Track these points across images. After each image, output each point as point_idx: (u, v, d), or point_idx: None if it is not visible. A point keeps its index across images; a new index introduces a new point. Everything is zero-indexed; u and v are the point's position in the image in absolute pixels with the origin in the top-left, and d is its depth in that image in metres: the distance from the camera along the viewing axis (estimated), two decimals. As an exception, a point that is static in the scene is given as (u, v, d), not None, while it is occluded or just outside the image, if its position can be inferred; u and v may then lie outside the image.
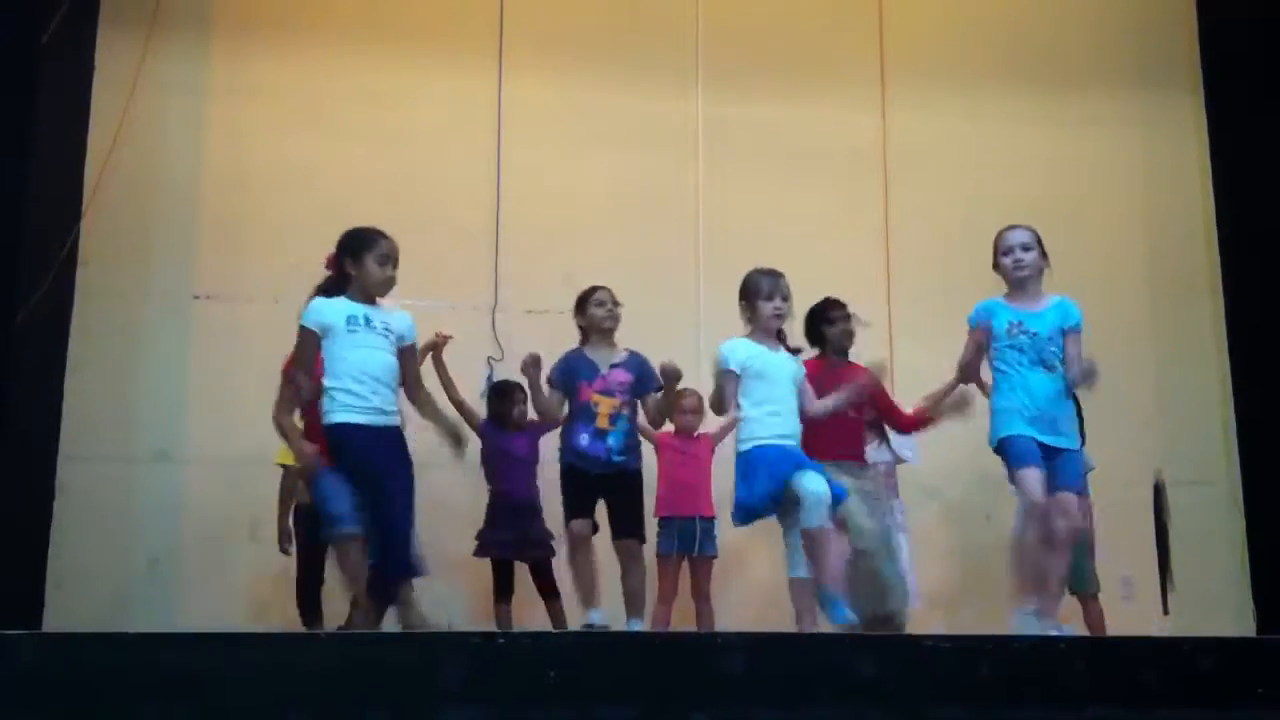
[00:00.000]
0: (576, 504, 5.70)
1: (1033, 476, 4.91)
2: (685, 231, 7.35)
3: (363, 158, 7.09)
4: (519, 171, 7.25)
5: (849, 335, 6.10)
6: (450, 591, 5.75)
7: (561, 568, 6.14)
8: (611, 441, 5.70)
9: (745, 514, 5.22)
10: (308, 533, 6.07)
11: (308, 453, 5.09)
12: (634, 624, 5.68)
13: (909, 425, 6.22)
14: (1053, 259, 7.37)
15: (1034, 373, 5.03)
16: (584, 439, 5.71)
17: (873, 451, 6.46)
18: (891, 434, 6.51)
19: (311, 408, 5.23)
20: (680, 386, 5.92)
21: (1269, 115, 7.13)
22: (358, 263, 5.06)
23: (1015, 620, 4.94)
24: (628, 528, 5.72)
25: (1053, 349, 5.06)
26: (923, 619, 6.16)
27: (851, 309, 6.18)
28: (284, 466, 6.13)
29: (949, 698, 3.98)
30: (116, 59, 6.84)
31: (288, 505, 6.14)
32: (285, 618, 6.11)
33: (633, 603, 5.69)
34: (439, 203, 7.13)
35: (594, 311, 5.90)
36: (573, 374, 5.83)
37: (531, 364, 5.82)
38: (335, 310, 4.97)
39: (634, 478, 5.77)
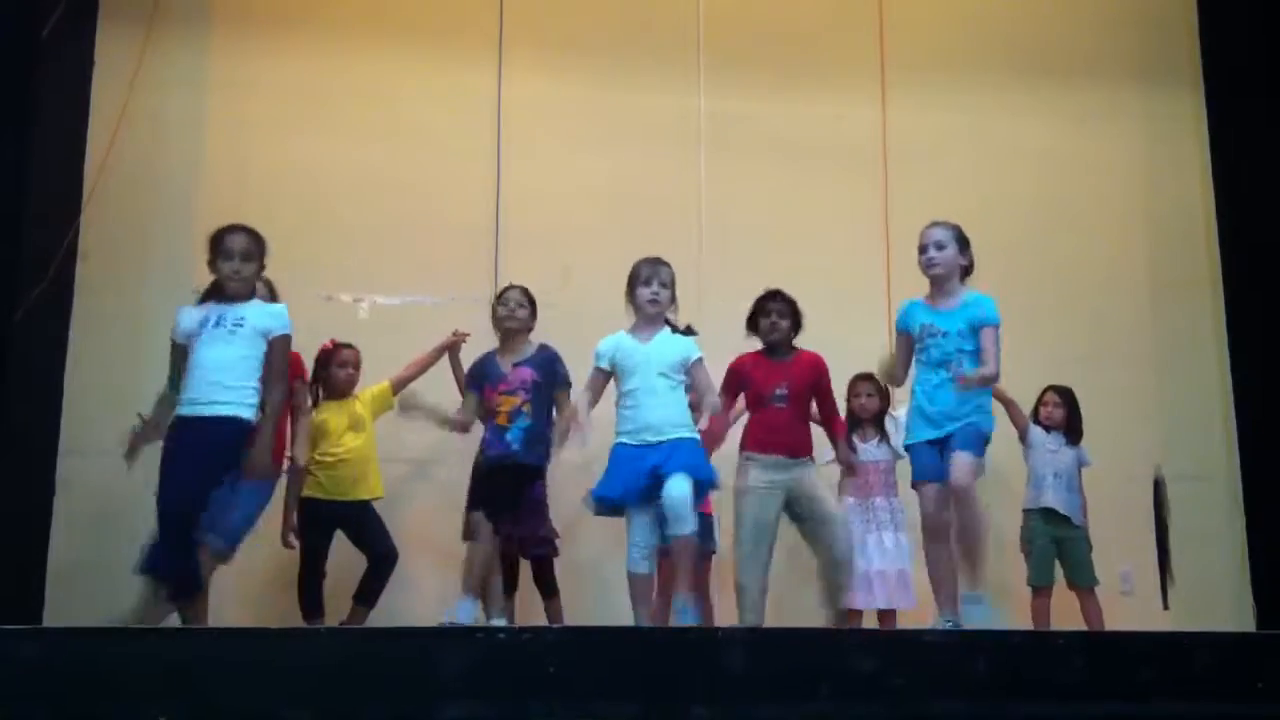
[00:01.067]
0: (473, 497, 5.77)
1: (925, 494, 5.08)
2: (686, 227, 7.34)
3: (362, 152, 7.09)
4: (519, 167, 7.24)
5: (775, 329, 5.83)
6: (452, 586, 5.73)
7: (562, 567, 6.15)
8: (510, 437, 5.66)
9: (599, 507, 5.25)
10: (309, 528, 6.09)
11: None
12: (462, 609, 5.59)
13: (834, 428, 6.02)
14: (1053, 255, 7.42)
15: (934, 373, 5.10)
16: (487, 435, 5.77)
17: (871, 448, 6.47)
18: (891, 431, 6.52)
19: None
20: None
21: (1270, 111, 7.13)
22: (211, 264, 5.17)
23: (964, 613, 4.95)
24: (497, 512, 5.65)
25: (964, 347, 5.07)
26: (922, 614, 6.15)
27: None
28: (289, 461, 6.15)
29: (949, 693, 3.99)
30: (116, 54, 6.84)
31: (293, 500, 6.14)
32: (285, 613, 6.11)
33: (469, 582, 5.63)
34: (439, 198, 7.13)
35: (498, 312, 5.91)
36: (480, 378, 5.88)
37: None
38: (193, 316, 5.11)
39: (521, 469, 5.68)
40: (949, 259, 5.19)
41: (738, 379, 5.72)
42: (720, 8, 7.61)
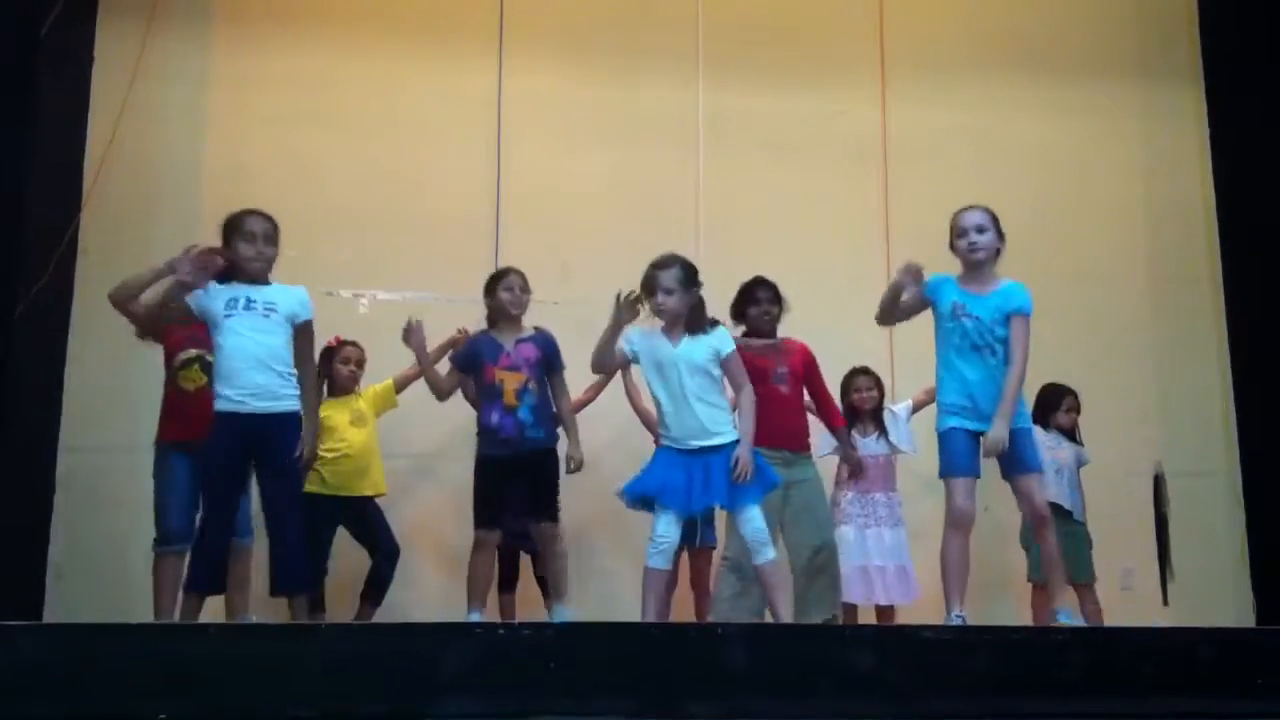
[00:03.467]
0: (484, 509, 5.59)
1: (959, 486, 4.89)
2: (686, 223, 7.33)
3: (363, 149, 7.09)
4: (519, 162, 7.24)
5: (767, 314, 5.92)
6: (458, 581, 5.74)
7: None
8: (522, 415, 5.57)
9: (631, 500, 5.23)
10: (312, 523, 6.09)
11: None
12: (560, 612, 5.59)
13: (834, 421, 6.10)
14: (1053, 251, 7.43)
15: (969, 359, 4.96)
16: (494, 416, 5.58)
17: (870, 443, 6.48)
18: (889, 425, 6.52)
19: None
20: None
21: (1269, 106, 7.12)
22: (229, 247, 5.07)
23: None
24: (542, 510, 5.60)
25: (997, 333, 4.98)
26: (921, 610, 6.16)
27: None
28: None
29: (948, 689, 3.99)
30: (116, 49, 6.83)
31: None
32: (285, 609, 6.11)
33: (556, 588, 5.62)
34: (439, 194, 7.14)
35: (502, 296, 5.80)
36: (476, 356, 5.74)
37: (414, 330, 5.81)
38: (215, 293, 4.97)
39: (546, 456, 5.61)
40: (990, 243, 5.11)
41: None
42: (720, 4, 7.61)
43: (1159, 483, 7.02)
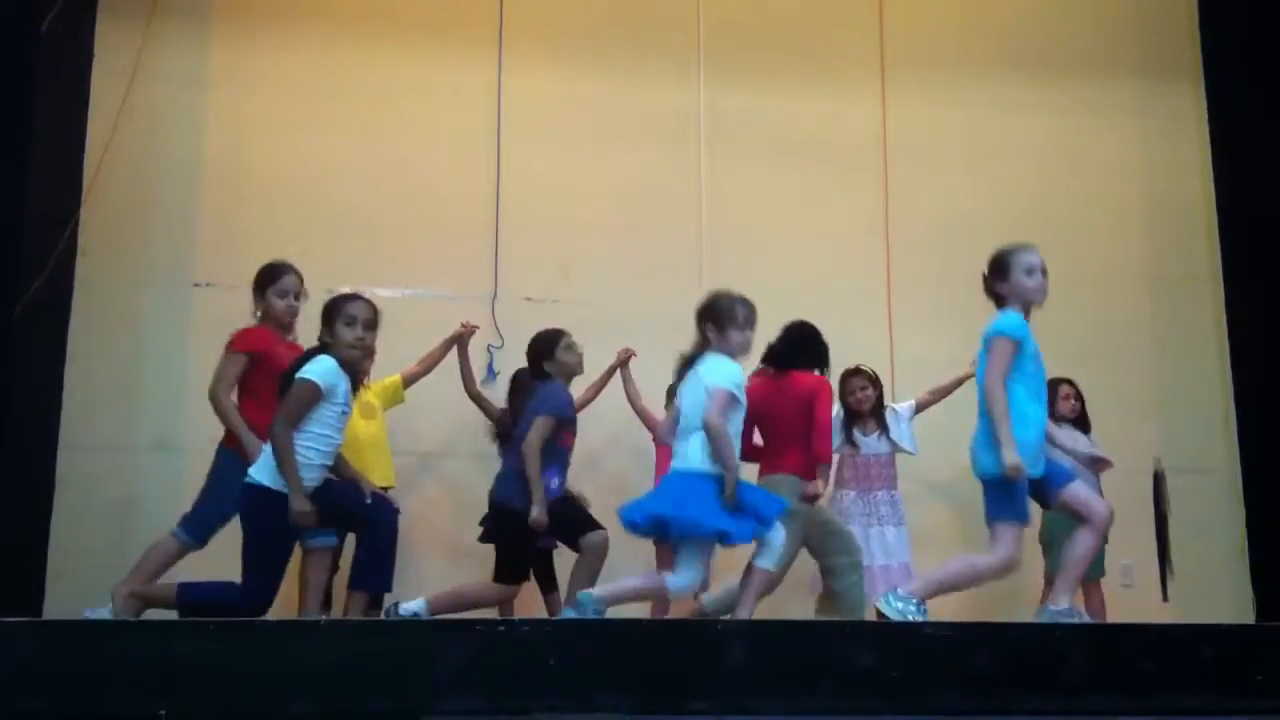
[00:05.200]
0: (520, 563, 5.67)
1: (1016, 532, 4.64)
2: (686, 222, 7.35)
3: (362, 148, 7.10)
4: (519, 162, 7.25)
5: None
6: (458, 577, 5.75)
7: (561, 561, 6.15)
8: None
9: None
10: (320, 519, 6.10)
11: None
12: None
13: (817, 457, 5.78)
14: (1053, 249, 7.41)
15: (1036, 405, 4.72)
16: (555, 481, 5.63)
17: (872, 442, 6.47)
18: (891, 424, 6.52)
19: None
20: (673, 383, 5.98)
21: (1269, 104, 7.12)
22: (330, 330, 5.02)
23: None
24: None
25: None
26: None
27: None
28: None
29: (949, 685, 3.99)
30: (116, 48, 6.84)
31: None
32: (285, 607, 6.11)
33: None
34: (439, 193, 7.14)
35: (566, 359, 5.82)
36: (564, 418, 5.72)
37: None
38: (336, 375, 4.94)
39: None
40: None
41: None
42: (720, 4, 7.62)
43: (1159, 480, 7.02)
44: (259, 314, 5.50)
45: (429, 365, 6.36)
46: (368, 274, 6.97)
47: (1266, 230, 7.07)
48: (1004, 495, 4.62)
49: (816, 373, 5.77)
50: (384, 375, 6.32)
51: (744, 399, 4.85)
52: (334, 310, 4.97)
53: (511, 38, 7.40)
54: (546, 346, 5.84)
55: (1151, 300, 7.73)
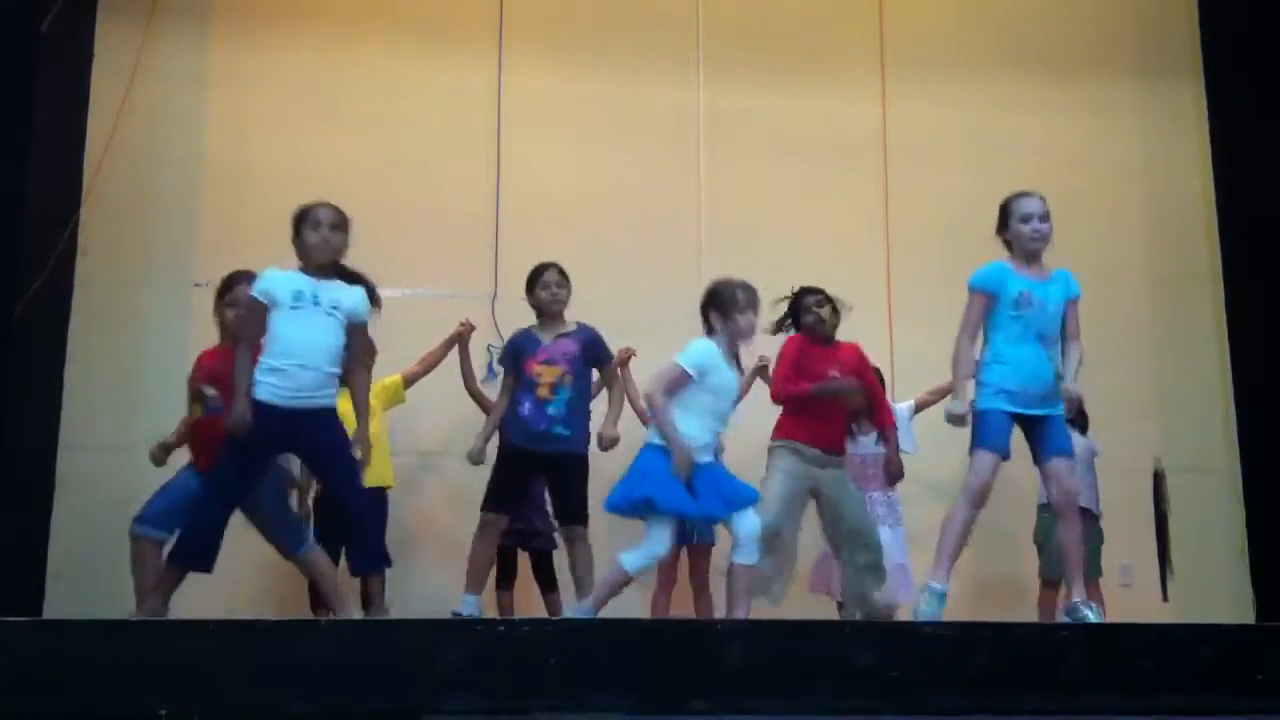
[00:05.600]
0: (497, 495, 5.59)
1: (985, 461, 4.86)
2: (685, 221, 7.35)
3: (362, 147, 7.09)
4: (519, 161, 7.25)
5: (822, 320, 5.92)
6: (458, 577, 5.74)
7: (561, 560, 6.15)
8: (551, 411, 5.56)
9: None
10: (324, 520, 6.10)
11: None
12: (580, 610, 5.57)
13: (881, 424, 6.05)
14: (1053, 249, 7.41)
15: (1030, 348, 4.92)
16: (525, 407, 5.59)
17: (869, 442, 6.46)
18: None
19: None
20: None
21: (1269, 102, 7.12)
22: (298, 237, 4.96)
23: (916, 599, 4.94)
24: (570, 514, 5.60)
25: (1057, 321, 4.99)
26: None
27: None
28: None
29: (948, 685, 3.99)
30: (116, 47, 6.84)
31: (307, 487, 6.16)
32: (285, 606, 6.12)
33: (581, 588, 5.56)
34: (439, 193, 7.14)
35: (540, 293, 5.82)
36: (518, 351, 5.75)
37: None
38: (282, 282, 4.84)
39: (575, 463, 5.58)
40: (1050, 231, 5.10)
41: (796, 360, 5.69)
42: (720, 3, 7.62)
43: (1159, 479, 7.02)
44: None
45: (429, 365, 6.36)
46: (368, 272, 6.96)
47: (1267, 230, 7.07)
48: (975, 428, 4.91)
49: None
50: (384, 375, 6.32)
51: (716, 377, 4.89)
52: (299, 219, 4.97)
53: (511, 37, 7.40)
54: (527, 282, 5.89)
55: (1151, 300, 7.72)
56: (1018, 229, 5.07)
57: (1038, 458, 4.97)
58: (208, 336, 6.67)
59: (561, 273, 5.85)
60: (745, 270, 6.69)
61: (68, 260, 6.53)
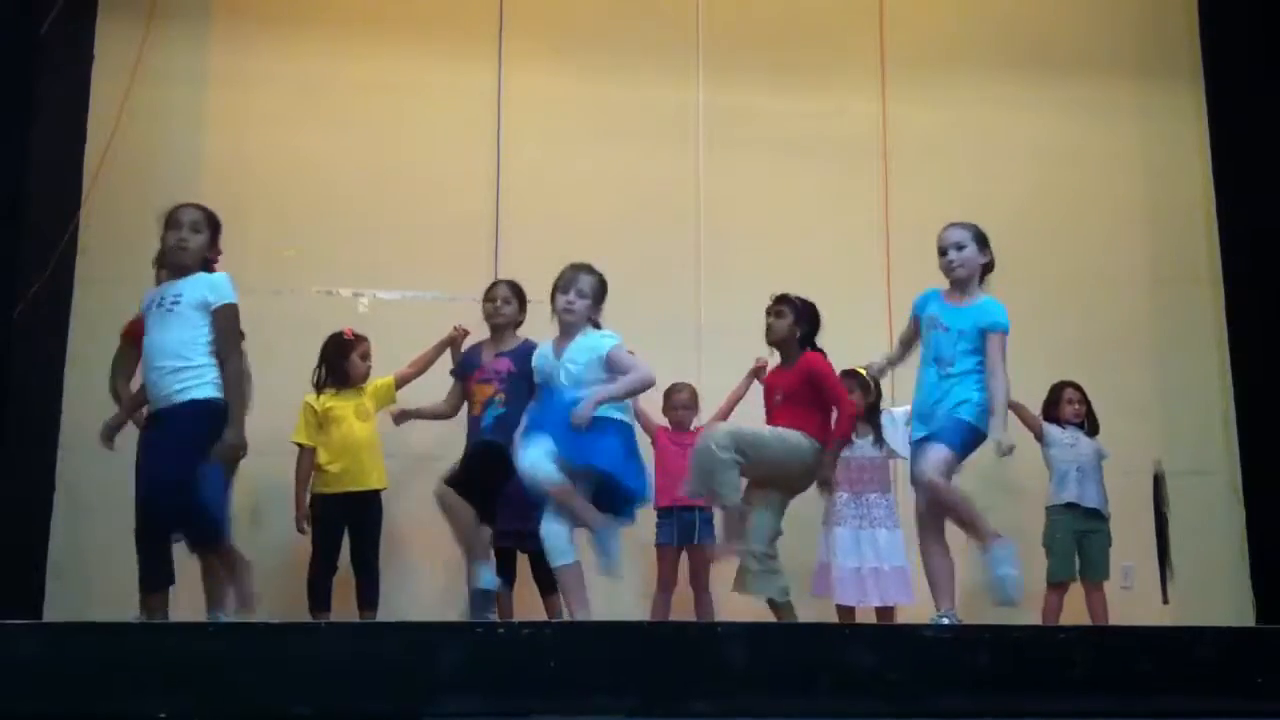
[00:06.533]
0: (450, 476, 5.66)
1: (915, 488, 5.01)
2: (685, 220, 7.34)
3: (362, 148, 7.09)
4: (519, 161, 7.24)
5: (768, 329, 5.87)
6: (456, 580, 5.74)
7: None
8: (484, 425, 5.71)
9: None
10: (321, 522, 6.11)
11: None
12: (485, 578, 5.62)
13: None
14: (1052, 249, 7.41)
15: (928, 369, 5.07)
16: (469, 427, 5.81)
17: (865, 445, 6.45)
18: (887, 428, 6.50)
19: None
20: (674, 380, 6.26)
21: (1269, 103, 7.11)
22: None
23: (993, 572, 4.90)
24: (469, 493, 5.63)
25: (960, 346, 4.99)
26: (921, 610, 6.16)
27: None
28: (300, 445, 6.18)
29: (948, 687, 3.99)
30: (116, 48, 6.83)
31: (304, 485, 6.16)
32: (285, 605, 6.12)
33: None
34: (438, 193, 7.13)
35: (484, 307, 5.97)
36: (463, 367, 5.97)
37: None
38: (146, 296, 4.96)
39: (497, 450, 5.49)
40: (970, 259, 5.12)
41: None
42: (720, 2, 7.61)
43: (1159, 481, 7.01)
44: None
45: (421, 367, 6.36)
46: (367, 273, 6.99)
47: (1267, 231, 7.06)
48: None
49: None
50: (379, 376, 6.33)
51: None
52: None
53: (511, 36, 7.39)
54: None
55: (1151, 300, 7.72)
56: (940, 260, 5.21)
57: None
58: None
59: (511, 288, 5.98)
60: (745, 269, 6.73)
61: (68, 260, 6.52)
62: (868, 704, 3.91)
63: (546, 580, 6.19)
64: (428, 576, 6.55)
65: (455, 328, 6.34)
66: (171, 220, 4.98)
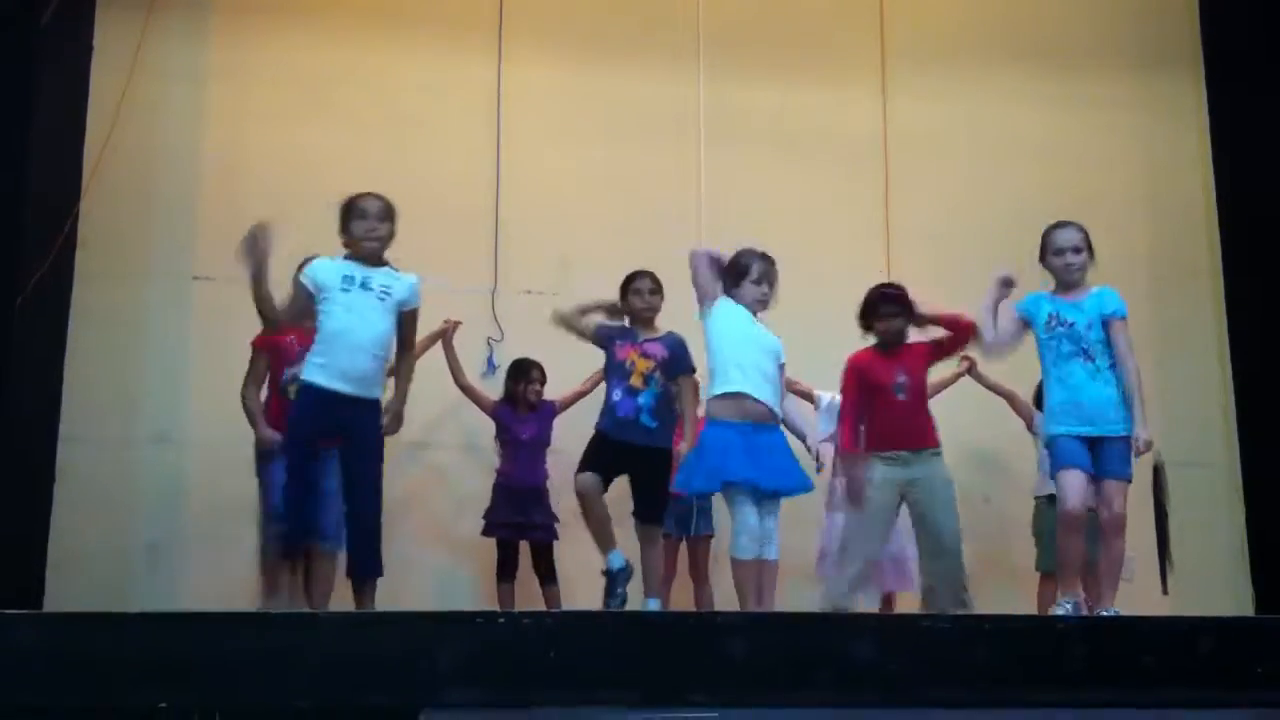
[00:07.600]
0: (591, 462, 5.53)
1: (1069, 481, 4.95)
2: (685, 216, 7.33)
3: (362, 141, 7.08)
4: (518, 155, 7.24)
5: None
6: (454, 570, 5.74)
7: (561, 553, 6.16)
8: (643, 401, 5.55)
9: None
10: None
11: (266, 437, 5.33)
12: (650, 603, 5.55)
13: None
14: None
15: (1072, 364, 5.01)
16: (617, 394, 5.59)
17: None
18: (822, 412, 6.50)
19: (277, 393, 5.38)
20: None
21: (1270, 98, 7.12)
22: (345, 230, 5.10)
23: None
24: (649, 511, 5.58)
25: (1093, 337, 5.02)
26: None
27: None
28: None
29: (948, 678, 3.99)
30: (115, 42, 6.84)
31: None
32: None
33: (650, 581, 5.55)
34: (439, 186, 7.12)
35: (633, 301, 5.81)
36: (611, 336, 5.76)
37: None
38: (331, 269, 5.01)
39: (663, 458, 5.56)
40: (1085, 262, 5.14)
41: (858, 375, 5.63)
42: (721, -2, 7.62)
43: (1159, 473, 6.98)
44: None
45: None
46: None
47: (1267, 226, 7.08)
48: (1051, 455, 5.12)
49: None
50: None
51: None
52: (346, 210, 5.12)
53: (512, 32, 7.39)
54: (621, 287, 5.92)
55: (1152, 294, 7.70)
56: (1052, 262, 5.18)
57: (1094, 475, 5.01)
58: (207, 329, 6.70)
59: (655, 280, 5.86)
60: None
61: (68, 253, 6.53)
62: (867, 694, 3.92)
63: (547, 571, 6.22)
64: (420, 565, 6.53)
65: (445, 321, 6.33)
66: (357, 210, 5.12)
